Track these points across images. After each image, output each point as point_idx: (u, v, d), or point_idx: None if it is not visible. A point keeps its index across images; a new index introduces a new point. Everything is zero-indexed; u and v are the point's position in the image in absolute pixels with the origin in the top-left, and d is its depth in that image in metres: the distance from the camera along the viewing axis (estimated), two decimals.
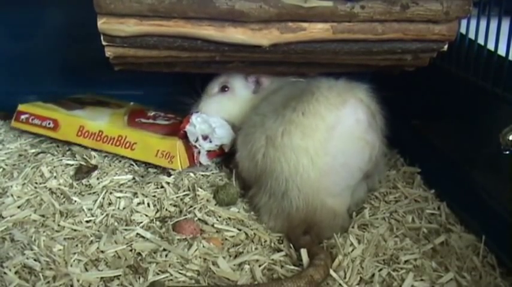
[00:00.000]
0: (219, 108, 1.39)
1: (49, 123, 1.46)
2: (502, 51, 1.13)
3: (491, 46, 1.17)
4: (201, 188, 1.30)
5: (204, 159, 1.38)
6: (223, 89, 1.40)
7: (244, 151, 1.25)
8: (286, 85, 1.30)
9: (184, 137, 1.35)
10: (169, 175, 1.34)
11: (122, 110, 1.54)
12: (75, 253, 1.07)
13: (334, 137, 1.13)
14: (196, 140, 1.34)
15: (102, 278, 1.01)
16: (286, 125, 1.15)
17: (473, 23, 1.23)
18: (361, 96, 1.18)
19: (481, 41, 1.20)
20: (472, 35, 1.23)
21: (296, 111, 1.15)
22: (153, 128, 1.42)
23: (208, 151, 1.38)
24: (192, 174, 1.36)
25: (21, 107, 1.51)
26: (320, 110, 1.14)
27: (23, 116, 1.50)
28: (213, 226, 1.19)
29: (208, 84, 1.42)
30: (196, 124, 1.34)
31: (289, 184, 1.14)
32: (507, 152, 1.02)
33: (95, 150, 1.43)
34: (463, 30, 1.24)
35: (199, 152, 1.36)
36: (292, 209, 1.15)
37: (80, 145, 1.44)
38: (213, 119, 1.36)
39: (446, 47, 1.19)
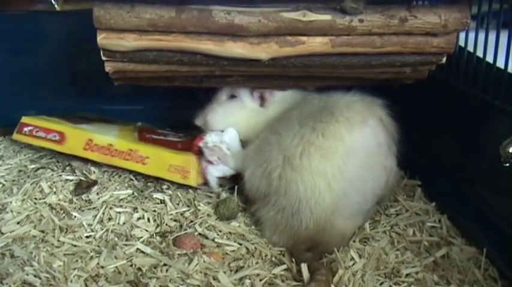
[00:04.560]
0: (227, 116, 1.36)
1: (54, 136, 1.42)
2: (500, 64, 1.14)
3: (490, 58, 1.17)
4: (201, 202, 1.30)
5: (213, 181, 1.34)
6: (232, 97, 1.37)
7: (257, 168, 1.21)
8: (301, 103, 1.27)
9: (199, 153, 1.33)
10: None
11: (129, 127, 1.52)
12: (75, 269, 1.06)
13: (353, 161, 1.12)
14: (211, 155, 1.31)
15: None
16: (305, 146, 1.13)
17: (471, 35, 1.23)
18: (380, 114, 1.18)
19: (479, 53, 1.21)
20: (470, 48, 1.24)
21: (315, 131, 1.13)
22: (166, 144, 1.40)
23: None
24: (191, 189, 1.36)
25: (24, 119, 1.47)
26: (340, 132, 1.12)
27: (26, 129, 1.46)
28: (213, 240, 1.18)
29: (215, 94, 1.39)
30: (210, 142, 1.32)
31: (303, 205, 1.12)
32: (507, 165, 1.02)
33: (95, 165, 1.43)
34: (461, 43, 1.24)
35: (207, 168, 1.32)
36: (301, 228, 1.14)
37: (80, 160, 1.44)
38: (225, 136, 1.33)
39: (445, 59, 1.19)
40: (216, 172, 1.33)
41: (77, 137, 1.41)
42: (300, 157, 1.13)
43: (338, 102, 1.19)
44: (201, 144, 1.32)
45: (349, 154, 1.12)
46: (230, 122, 1.36)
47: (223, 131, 1.35)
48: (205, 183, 1.34)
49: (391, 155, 1.20)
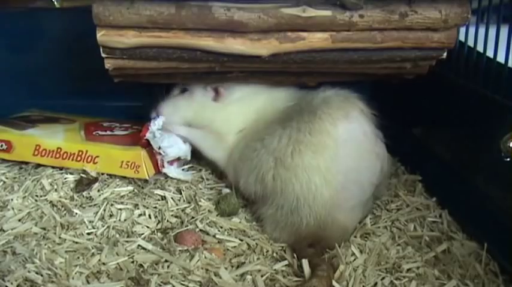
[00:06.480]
0: (176, 109, 1.38)
1: (1, 146, 1.41)
2: (501, 58, 1.14)
3: (490, 53, 1.17)
4: (202, 198, 1.30)
5: (167, 169, 1.37)
6: (183, 91, 1.39)
7: (250, 176, 1.22)
8: (276, 107, 1.29)
9: (147, 145, 1.34)
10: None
11: (75, 125, 1.51)
12: (76, 266, 1.07)
13: (344, 153, 1.12)
14: (159, 148, 1.33)
15: None
16: (295, 145, 1.13)
17: (472, 30, 1.23)
18: (360, 105, 1.17)
19: (480, 48, 1.21)
20: (471, 43, 1.24)
21: (302, 131, 1.13)
22: (113, 140, 1.41)
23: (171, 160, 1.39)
24: (193, 186, 1.37)
25: None
26: (326, 127, 1.12)
27: None
28: (214, 236, 1.18)
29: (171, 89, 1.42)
30: (155, 131, 1.33)
31: (300, 202, 1.12)
32: (507, 159, 1.02)
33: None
34: (462, 37, 1.24)
35: (162, 160, 1.35)
36: (301, 224, 1.14)
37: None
38: (166, 139, 1.35)
39: (445, 54, 1.19)
40: (172, 158, 1.37)
41: (25, 143, 1.40)
42: (291, 156, 1.13)
43: (314, 100, 1.19)
44: (147, 135, 1.33)
45: (339, 146, 1.12)
46: (182, 115, 1.38)
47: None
48: (160, 172, 1.37)
49: (380, 142, 1.19)
